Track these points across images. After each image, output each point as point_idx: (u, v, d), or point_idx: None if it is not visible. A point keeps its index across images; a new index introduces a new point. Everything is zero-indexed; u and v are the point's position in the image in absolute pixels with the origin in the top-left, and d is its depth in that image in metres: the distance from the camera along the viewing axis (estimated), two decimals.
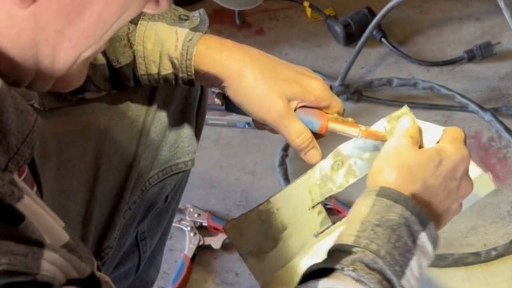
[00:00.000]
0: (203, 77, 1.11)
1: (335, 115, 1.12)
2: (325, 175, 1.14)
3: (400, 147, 1.00)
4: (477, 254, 1.78)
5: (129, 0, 0.79)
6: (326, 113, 1.12)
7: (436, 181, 0.98)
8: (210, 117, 2.09)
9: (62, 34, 0.77)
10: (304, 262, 1.14)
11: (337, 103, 1.12)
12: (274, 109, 1.09)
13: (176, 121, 1.23)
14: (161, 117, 1.21)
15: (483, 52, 2.22)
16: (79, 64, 0.81)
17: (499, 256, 1.78)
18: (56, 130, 1.16)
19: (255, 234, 1.16)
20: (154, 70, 1.12)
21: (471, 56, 2.23)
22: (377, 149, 1.10)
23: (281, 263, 1.15)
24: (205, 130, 2.08)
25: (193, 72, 1.10)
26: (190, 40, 1.10)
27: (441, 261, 1.77)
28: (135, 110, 1.19)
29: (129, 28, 1.11)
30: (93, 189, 1.16)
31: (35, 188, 0.86)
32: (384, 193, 0.95)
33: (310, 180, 1.14)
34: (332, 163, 1.13)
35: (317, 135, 1.12)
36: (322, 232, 1.15)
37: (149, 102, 1.20)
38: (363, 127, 1.09)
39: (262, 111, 1.09)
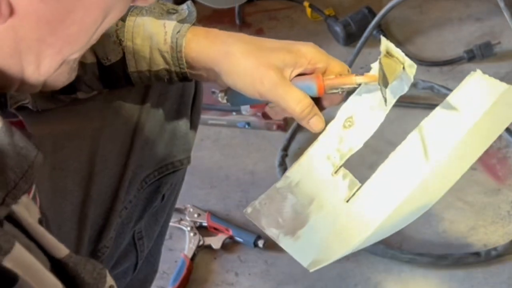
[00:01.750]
0: (195, 66, 1.09)
1: (332, 76, 1.08)
2: (339, 137, 1.09)
3: None
4: (477, 254, 1.78)
5: (111, 3, 0.78)
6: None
7: None
8: (210, 117, 2.10)
9: (44, 42, 0.77)
10: (344, 230, 1.07)
11: (336, 64, 1.08)
12: (267, 79, 1.05)
13: (171, 120, 1.23)
14: (155, 116, 1.21)
15: (483, 52, 2.22)
16: (67, 65, 0.81)
17: (499, 256, 1.78)
18: (50, 131, 1.16)
19: (281, 212, 1.10)
20: (144, 66, 1.11)
21: (471, 56, 2.23)
22: (379, 96, 1.07)
23: (319, 237, 1.08)
24: (205, 130, 2.09)
25: (185, 64, 1.09)
26: (179, 32, 1.09)
27: (441, 261, 1.77)
28: (129, 109, 1.19)
29: (117, 25, 1.10)
30: (88, 189, 1.16)
31: (32, 191, 0.86)
32: None
33: (325, 145, 1.10)
34: (343, 122, 1.09)
35: (319, 106, 1.09)
36: (353, 195, 1.08)
37: (143, 100, 1.19)
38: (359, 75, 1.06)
39: (256, 84, 1.05)
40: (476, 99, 1.03)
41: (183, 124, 1.24)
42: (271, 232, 1.10)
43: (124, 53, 1.11)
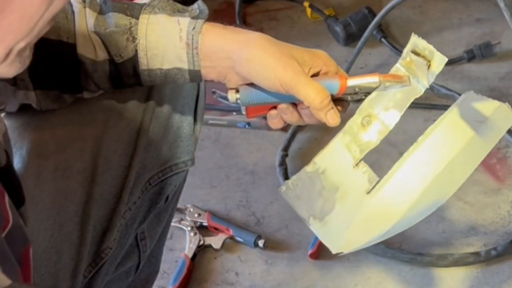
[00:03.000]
0: (211, 56, 1.08)
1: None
2: (357, 132, 1.12)
3: None
4: (477, 254, 1.78)
5: None
6: None
7: None
8: (210, 117, 2.10)
9: None
10: (367, 220, 1.11)
11: (343, 71, 1.11)
12: (290, 67, 1.05)
13: (174, 121, 1.23)
14: (159, 117, 1.21)
15: (483, 52, 2.22)
16: (16, 54, 0.80)
17: (499, 256, 1.78)
18: (54, 131, 1.16)
19: (311, 196, 1.13)
20: (156, 65, 1.10)
21: (471, 56, 2.23)
22: (399, 94, 1.10)
23: (344, 225, 1.12)
24: (205, 130, 2.09)
25: (199, 62, 1.09)
26: (194, 28, 1.08)
27: (441, 261, 1.77)
28: (133, 110, 1.19)
29: (130, 22, 1.10)
30: (91, 190, 1.16)
31: (6, 197, 0.85)
32: None
33: (346, 138, 1.12)
34: (361, 120, 1.12)
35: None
36: (372, 188, 1.11)
37: (146, 102, 1.19)
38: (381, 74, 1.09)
39: (278, 71, 1.05)
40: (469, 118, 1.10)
41: (187, 125, 1.24)
42: (302, 214, 1.13)
43: (136, 51, 1.10)
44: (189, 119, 1.24)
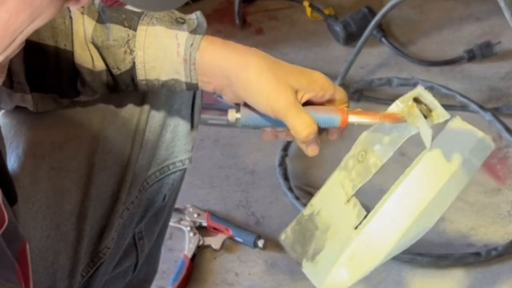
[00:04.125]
0: (207, 73, 1.09)
1: (344, 106, 1.12)
2: (352, 167, 1.14)
3: None
4: (477, 254, 1.78)
5: (39, 8, 0.76)
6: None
7: None
8: (210, 117, 2.09)
9: None
10: (355, 256, 1.13)
11: (340, 92, 1.12)
12: (283, 97, 1.07)
13: (171, 120, 1.23)
14: (155, 116, 1.20)
15: (483, 52, 2.22)
16: None
17: (499, 256, 1.78)
18: (49, 131, 1.16)
19: (306, 239, 1.15)
20: (153, 75, 1.11)
21: (471, 56, 2.23)
22: (395, 131, 1.10)
23: (332, 262, 1.13)
24: (205, 130, 2.09)
25: (197, 76, 1.09)
26: (192, 44, 1.08)
27: (441, 261, 1.77)
28: (129, 109, 1.18)
29: (128, 35, 1.09)
30: (87, 189, 1.16)
31: (1, 196, 0.85)
32: None
33: (341, 174, 1.14)
34: (357, 155, 1.13)
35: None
36: (360, 223, 1.13)
37: (142, 101, 1.19)
38: (381, 113, 1.09)
39: (271, 100, 1.06)
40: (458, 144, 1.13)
41: (184, 124, 1.24)
42: (297, 258, 1.15)
43: (134, 63, 1.10)
44: (186, 117, 1.24)
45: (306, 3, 2.40)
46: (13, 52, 0.80)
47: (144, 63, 1.10)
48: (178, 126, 1.23)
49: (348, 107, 1.12)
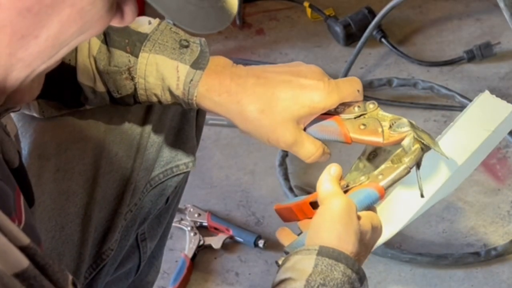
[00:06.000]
0: (207, 111, 1.13)
1: (352, 115, 1.11)
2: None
3: (337, 210, 1.02)
4: (477, 254, 1.78)
5: (89, 22, 0.77)
6: (344, 106, 1.12)
7: (365, 242, 1.04)
8: (210, 117, 2.08)
9: (15, 57, 0.76)
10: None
11: (348, 93, 1.10)
12: (282, 140, 1.10)
13: (176, 122, 1.23)
14: (161, 119, 1.21)
15: (483, 52, 2.22)
16: (32, 78, 0.80)
17: (499, 256, 1.78)
18: (55, 132, 1.16)
19: None
20: (154, 99, 1.12)
21: (471, 56, 2.23)
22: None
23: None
24: (205, 130, 2.08)
25: (195, 106, 1.11)
26: (191, 80, 1.08)
27: (441, 261, 1.77)
28: (135, 112, 1.19)
29: (130, 61, 1.10)
30: (92, 191, 1.16)
31: (21, 198, 0.85)
32: (325, 252, 0.98)
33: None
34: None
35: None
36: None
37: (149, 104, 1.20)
38: (386, 131, 1.09)
39: (272, 142, 1.11)
40: (484, 120, 1.16)
41: (189, 127, 1.24)
42: None
43: (135, 88, 1.11)
44: (191, 121, 1.25)
45: (306, 4, 2.40)
46: (55, 63, 0.80)
47: (145, 90, 1.11)
48: (183, 129, 1.23)
49: (362, 99, 1.12)
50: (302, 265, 0.97)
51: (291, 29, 2.40)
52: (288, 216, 1.12)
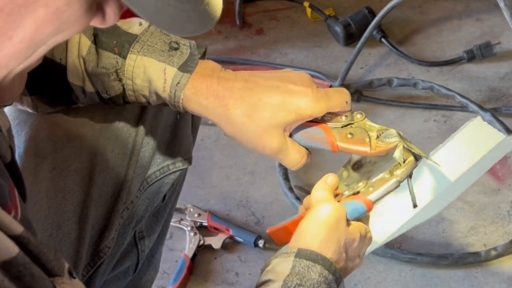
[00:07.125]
0: (194, 113, 1.12)
1: (339, 124, 1.11)
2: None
3: (324, 216, 1.03)
4: (477, 254, 1.78)
5: (65, 23, 0.76)
6: (331, 115, 1.12)
7: (352, 249, 1.06)
8: None
9: None
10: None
11: (336, 102, 1.10)
12: (268, 147, 1.09)
13: (172, 120, 1.23)
14: (157, 117, 1.21)
15: (483, 52, 2.22)
16: (11, 78, 0.79)
17: (499, 256, 1.78)
18: (51, 131, 1.16)
19: None
20: (143, 100, 1.12)
21: (471, 56, 2.23)
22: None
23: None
24: (205, 130, 2.09)
25: (182, 109, 1.10)
26: (178, 83, 1.08)
27: (441, 261, 1.77)
28: (131, 109, 1.19)
29: (117, 62, 1.09)
30: (89, 189, 1.16)
31: (16, 192, 0.85)
32: (303, 254, 0.99)
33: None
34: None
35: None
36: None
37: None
38: (374, 139, 1.09)
39: (257, 149, 1.10)
40: (474, 145, 1.18)
41: (185, 124, 1.24)
42: None
43: (124, 89, 1.11)
44: (187, 118, 1.25)
45: (306, 4, 2.40)
46: (33, 64, 0.80)
47: (134, 91, 1.11)
48: (179, 127, 1.24)
49: (350, 109, 1.12)
50: (280, 267, 0.99)
51: (291, 29, 2.40)
52: (284, 237, 1.12)
